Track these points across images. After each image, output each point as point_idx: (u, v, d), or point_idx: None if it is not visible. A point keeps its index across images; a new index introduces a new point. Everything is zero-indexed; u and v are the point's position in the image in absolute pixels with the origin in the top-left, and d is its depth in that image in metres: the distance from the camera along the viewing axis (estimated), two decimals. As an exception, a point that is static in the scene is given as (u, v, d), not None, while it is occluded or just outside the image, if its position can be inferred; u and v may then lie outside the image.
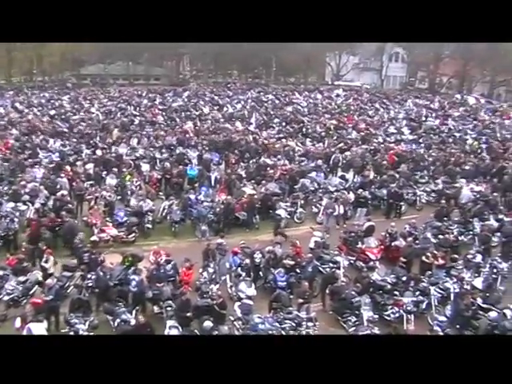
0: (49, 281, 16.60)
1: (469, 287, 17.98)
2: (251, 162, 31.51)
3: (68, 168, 27.78)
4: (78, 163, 29.81)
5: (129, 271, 17.84)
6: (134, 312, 16.21)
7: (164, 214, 24.40)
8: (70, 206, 23.43)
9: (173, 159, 30.74)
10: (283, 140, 36.84)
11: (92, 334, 14.57)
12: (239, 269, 18.84)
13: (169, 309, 16.36)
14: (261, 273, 19.13)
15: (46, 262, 18.32)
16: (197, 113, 46.84)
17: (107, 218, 22.96)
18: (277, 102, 56.18)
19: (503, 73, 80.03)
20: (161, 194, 26.65)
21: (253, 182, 27.40)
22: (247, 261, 19.10)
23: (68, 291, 17.32)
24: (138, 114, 45.22)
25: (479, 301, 16.72)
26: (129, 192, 25.56)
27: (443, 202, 25.70)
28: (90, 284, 17.55)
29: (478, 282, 18.35)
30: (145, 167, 29.39)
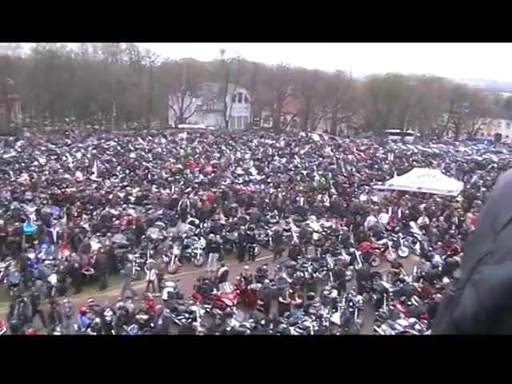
0: None
1: (327, 323, 18.14)
2: (95, 213, 30.20)
3: None
4: None
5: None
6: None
7: (0, 277, 22.22)
8: None
9: (7, 215, 28.52)
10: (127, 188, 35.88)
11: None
12: (89, 329, 17.61)
13: None
14: (113, 331, 18.03)
15: None
16: (32, 164, 44.59)
17: None
18: (119, 148, 55.18)
19: (343, 109, 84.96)
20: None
21: (98, 234, 26.09)
22: (97, 320, 17.93)
23: None
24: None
25: (339, 336, 16.62)
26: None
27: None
28: None
29: (336, 317, 18.55)
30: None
